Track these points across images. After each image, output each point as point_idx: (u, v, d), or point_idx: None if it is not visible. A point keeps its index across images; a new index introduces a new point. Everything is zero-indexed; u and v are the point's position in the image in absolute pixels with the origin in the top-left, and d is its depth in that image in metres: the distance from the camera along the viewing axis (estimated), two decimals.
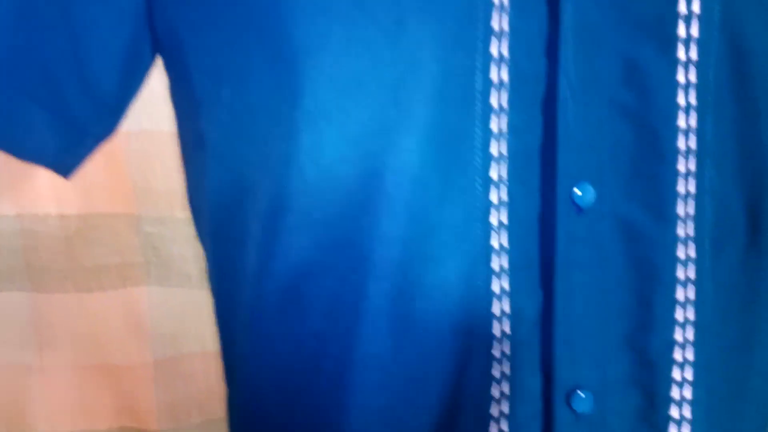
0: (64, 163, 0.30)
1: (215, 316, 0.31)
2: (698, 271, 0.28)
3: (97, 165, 0.50)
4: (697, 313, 0.28)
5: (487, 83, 0.25)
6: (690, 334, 0.28)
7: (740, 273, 0.30)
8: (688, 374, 0.29)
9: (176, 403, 0.57)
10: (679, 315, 0.28)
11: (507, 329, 0.27)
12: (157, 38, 0.28)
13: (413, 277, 0.26)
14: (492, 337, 0.27)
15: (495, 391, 0.27)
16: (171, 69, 0.29)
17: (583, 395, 0.27)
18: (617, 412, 0.29)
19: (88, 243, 0.51)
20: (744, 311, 0.30)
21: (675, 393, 0.29)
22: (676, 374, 0.29)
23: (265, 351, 0.29)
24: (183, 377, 0.57)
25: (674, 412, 0.29)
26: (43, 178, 0.49)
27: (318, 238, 0.26)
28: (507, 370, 0.27)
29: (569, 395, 0.27)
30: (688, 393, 0.29)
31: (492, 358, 0.27)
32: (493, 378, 0.27)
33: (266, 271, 0.27)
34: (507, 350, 0.27)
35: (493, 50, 0.25)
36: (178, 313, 0.56)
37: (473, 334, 0.27)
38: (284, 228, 0.26)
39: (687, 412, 0.29)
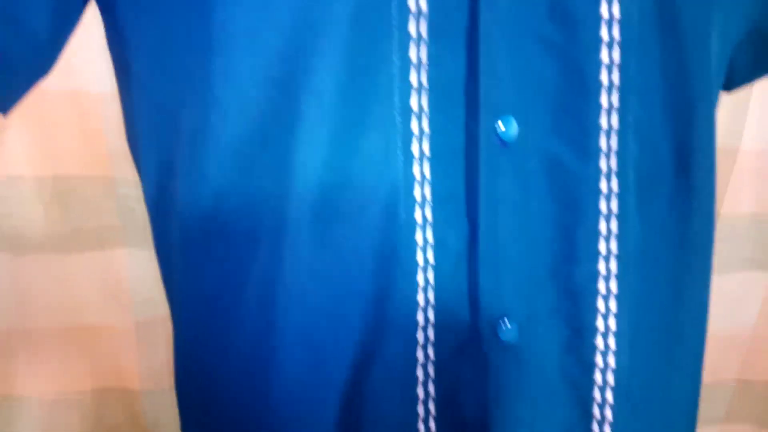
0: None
1: (156, 254, 0.31)
2: (621, 205, 0.28)
3: (71, 128, 0.50)
4: (620, 245, 0.28)
5: (405, 11, 0.24)
6: (613, 265, 0.28)
7: (669, 213, 0.30)
8: (612, 305, 0.29)
9: (158, 364, 0.58)
10: (602, 247, 0.28)
11: (431, 258, 0.27)
12: None
13: (333, 201, 0.26)
14: (415, 264, 0.27)
15: (420, 318, 0.27)
16: (101, 6, 0.28)
17: (508, 325, 0.27)
18: (543, 343, 0.29)
19: (64, 205, 0.51)
20: (673, 250, 0.30)
21: (600, 324, 0.29)
22: (601, 305, 0.29)
23: (195, 280, 0.29)
24: (164, 338, 0.57)
25: (599, 342, 0.29)
26: (19, 141, 0.49)
27: (237, 163, 0.26)
28: (432, 298, 0.27)
29: (495, 325, 0.28)
30: (612, 324, 0.29)
31: (416, 285, 0.27)
32: (417, 305, 0.27)
33: (191, 198, 0.27)
34: (431, 279, 0.27)
35: None
36: (158, 275, 0.56)
37: (395, 260, 0.27)
38: (204, 153, 0.26)
39: (612, 343, 0.29)
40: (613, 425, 0.29)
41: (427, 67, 0.25)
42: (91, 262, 0.54)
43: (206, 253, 0.28)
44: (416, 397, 0.28)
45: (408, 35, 0.25)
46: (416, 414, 0.29)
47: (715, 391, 0.69)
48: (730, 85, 0.36)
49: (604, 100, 0.27)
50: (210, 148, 0.26)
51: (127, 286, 0.56)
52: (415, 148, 0.26)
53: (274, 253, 0.27)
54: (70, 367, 0.57)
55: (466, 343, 0.28)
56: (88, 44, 0.42)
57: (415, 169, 0.26)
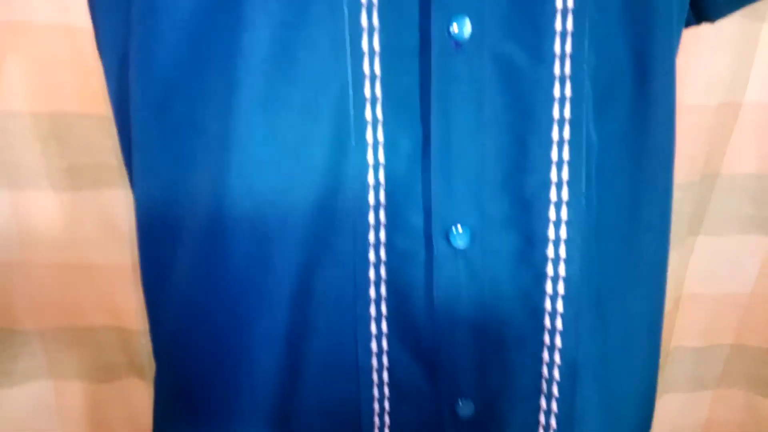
0: None
1: (121, 149, 0.32)
2: (574, 111, 0.28)
3: (66, 65, 0.50)
4: (572, 153, 0.28)
5: None
6: (565, 173, 0.28)
7: (627, 121, 0.29)
8: (564, 214, 0.29)
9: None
10: (554, 154, 0.28)
11: (381, 158, 0.27)
12: None
13: (279, 95, 0.26)
14: (365, 163, 0.27)
15: (371, 218, 0.28)
16: None
17: (460, 231, 0.27)
18: (496, 251, 0.29)
19: (62, 142, 0.52)
20: (631, 160, 0.30)
21: (551, 233, 0.29)
22: (552, 214, 0.29)
23: (150, 160, 0.29)
24: None
25: (550, 251, 0.29)
26: (13, 75, 0.49)
27: (183, 48, 0.26)
28: (383, 198, 0.27)
29: (447, 232, 0.28)
30: (563, 232, 0.29)
31: (366, 184, 0.27)
32: (368, 205, 0.27)
33: (140, 83, 0.27)
34: (382, 179, 0.27)
35: None
36: None
37: (344, 157, 0.27)
38: (152, 35, 0.26)
39: (562, 251, 0.29)
40: (563, 335, 0.29)
41: None
42: (89, 200, 0.55)
43: (159, 143, 0.28)
44: (368, 297, 0.28)
45: None
46: (368, 315, 0.29)
47: (709, 355, 0.69)
48: (712, 13, 0.35)
49: (559, 1, 0.26)
50: (157, 30, 0.26)
51: (123, 225, 0.56)
52: (365, 44, 0.26)
53: (222, 145, 0.27)
54: (69, 303, 0.58)
55: (418, 247, 0.28)
56: None
57: (365, 66, 0.26)
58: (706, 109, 0.55)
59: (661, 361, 0.66)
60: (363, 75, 0.26)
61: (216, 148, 0.27)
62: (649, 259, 0.33)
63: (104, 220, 0.56)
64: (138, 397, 0.63)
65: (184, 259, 0.30)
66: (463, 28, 0.26)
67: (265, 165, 0.27)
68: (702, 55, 0.53)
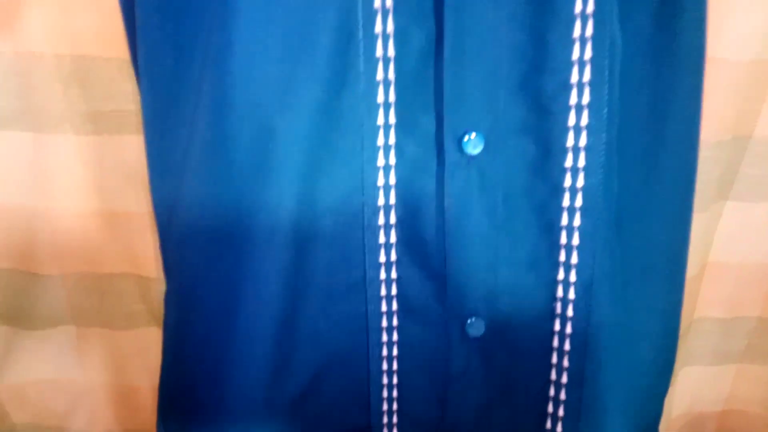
0: None
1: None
2: (598, 4, 0.26)
3: (88, 7, 0.50)
4: (595, 51, 0.26)
5: None
6: (587, 74, 0.27)
7: (654, 21, 0.28)
8: (584, 119, 0.27)
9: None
10: (575, 53, 0.26)
11: (390, 51, 0.26)
12: None
13: None
14: (373, 57, 0.25)
15: (380, 118, 0.26)
16: None
17: (473, 137, 0.26)
18: (510, 160, 0.28)
19: (83, 86, 0.52)
20: (659, 66, 0.28)
21: (570, 140, 0.27)
22: (571, 119, 0.27)
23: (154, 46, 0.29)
24: None
25: (569, 161, 0.28)
26: (35, 16, 0.50)
27: None
28: (392, 96, 0.26)
29: (459, 137, 0.27)
30: (583, 140, 0.27)
31: (374, 81, 0.26)
32: (377, 103, 0.26)
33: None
34: (391, 75, 0.26)
35: None
36: None
37: (351, 47, 0.25)
38: None
39: (581, 161, 0.28)
40: (580, 250, 0.28)
41: None
42: (110, 145, 0.55)
43: (159, 29, 0.28)
44: (377, 204, 0.28)
45: None
46: (376, 223, 0.28)
47: (733, 327, 0.67)
48: None
49: None
50: None
51: (142, 172, 0.57)
52: None
53: (223, 22, 0.26)
54: (89, 249, 0.59)
55: (429, 153, 0.27)
56: None
57: None
58: (738, 64, 0.53)
59: (683, 331, 0.65)
60: None
61: (217, 33, 0.26)
62: (673, 178, 0.31)
63: (124, 167, 0.56)
64: (156, 345, 0.64)
65: (187, 162, 0.29)
66: None
67: (267, 50, 0.26)
68: (734, 7, 0.50)
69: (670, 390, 0.69)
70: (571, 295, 0.29)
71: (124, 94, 0.54)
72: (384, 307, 0.29)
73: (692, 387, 0.69)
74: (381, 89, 0.26)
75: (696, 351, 0.67)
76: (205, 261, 0.30)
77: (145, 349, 0.64)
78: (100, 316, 0.62)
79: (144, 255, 0.59)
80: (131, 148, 0.56)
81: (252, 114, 0.26)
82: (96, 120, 0.54)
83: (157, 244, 0.60)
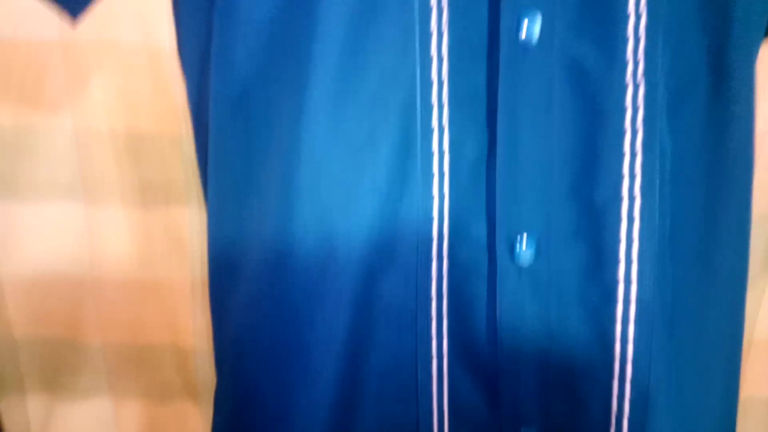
0: (72, 1, 0.31)
1: (196, 150, 0.32)
2: (647, 120, 0.26)
3: (144, 84, 0.53)
4: (645, 165, 0.27)
5: None
6: (637, 187, 0.27)
7: (703, 131, 0.28)
8: (635, 231, 0.27)
9: (211, 324, 0.60)
10: (626, 167, 0.27)
11: (446, 166, 0.27)
12: None
13: (349, 91, 0.26)
14: (430, 173, 0.26)
15: (435, 229, 0.26)
16: None
17: (525, 242, 0.26)
18: (562, 267, 0.27)
19: (135, 159, 0.54)
20: (708, 173, 0.28)
21: (622, 251, 0.27)
22: (623, 231, 0.27)
23: (224, 166, 0.30)
24: None
25: (621, 271, 0.27)
26: (96, 92, 0.53)
27: (261, 45, 0.27)
28: (447, 208, 0.27)
29: (512, 242, 0.26)
30: (635, 251, 0.27)
31: (430, 195, 0.26)
32: (432, 215, 0.27)
33: (219, 80, 0.28)
34: (446, 189, 0.26)
35: None
36: None
37: (409, 165, 0.26)
38: (232, 34, 0.28)
39: (634, 272, 0.27)
40: (635, 363, 0.27)
41: None
42: (157, 216, 0.57)
43: (233, 140, 0.29)
44: (430, 312, 0.27)
45: None
46: (429, 333, 0.28)
47: None
48: None
49: (631, 5, 0.26)
50: (238, 29, 0.27)
51: (187, 243, 0.58)
52: (433, 48, 0.26)
53: (294, 137, 0.27)
54: (132, 318, 0.59)
55: (481, 261, 0.27)
56: (160, 3, 0.45)
57: (434, 72, 0.26)
58: None
59: None
60: (431, 81, 0.26)
61: (287, 143, 0.27)
62: (726, 280, 0.30)
63: (170, 237, 0.57)
64: (192, 422, 0.62)
65: (251, 264, 0.30)
66: (533, 27, 0.25)
67: (332, 162, 0.27)
68: None
69: None
70: (626, 407, 0.27)
71: (174, 167, 0.55)
72: (435, 415, 0.28)
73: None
74: (436, 202, 0.27)
75: None
76: (262, 366, 0.30)
77: (180, 425, 0.62)
78: (137, 387, 0.62)
79: (183, 325, 0.60)
80: (178, 219, 0.57)
81: (316, 220, 0.27)
82: (144, 191, 0.56)
83: (197, 314, 0.60)
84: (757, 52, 0.30)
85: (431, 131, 0.26)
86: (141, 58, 0.52)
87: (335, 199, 0.27)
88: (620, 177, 0.27)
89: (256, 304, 0.30)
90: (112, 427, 0.63)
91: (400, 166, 0.26)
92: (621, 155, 0.26)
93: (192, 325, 0.59)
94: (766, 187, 0.53)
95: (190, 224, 0.57)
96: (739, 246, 0.31)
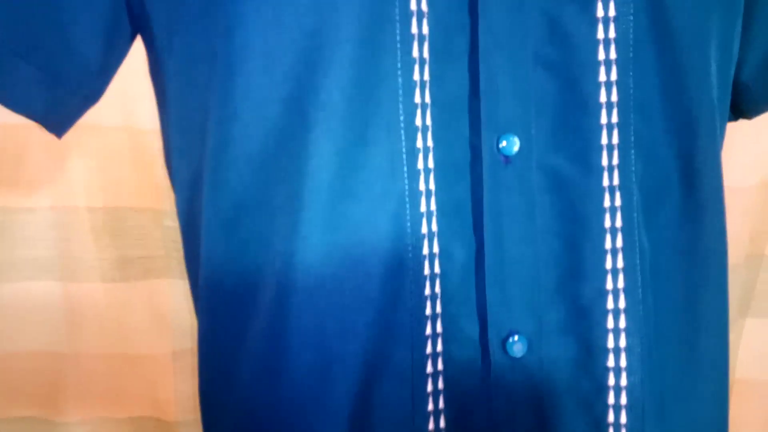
0: (54, 121, 0.33)
1: (186, 269, 0.33)
2: (626, 220, 0.28)
3: (124, 162, 0.54)
4: (626, 260, 0.28)
5: (408, 35, 0.26)
6: (621, 281, 0.28)
7: (678, 227, 0.30)
8: (622, 322, 0.29)
9: (194, 394, 0.59)
10: (608, 263, 0.28)
11: (437, 269, 0.28)
12: (132, 11, 0.31)
13: (341, 212, 0.27)
14: (422, 275, 0.28)
15: (428, 329, 0.28)
16: (144, 37, 0.32)
17: (517, 340, 0.27)
18: (554, 360, 0.28)
19: (114, 235, 0.55)
20: (685, 265, 0.30)
21: (610, 342, 0.29)
22: (610, 322, 0.29)
23: (214, 284, 0.31)
24: None
25: (611, 361, 0.29)
26: (75, 171, 0.53)
27: (254, 174, 0.28)
28: (439, 308, 0.28)
29: (504, 340, 0.28)
30: (623, 341, 0.29)
31: (423, 295, 0.28)
32: (425, 315, 0.28)
33: (214, 209, 0.29)
34: (438, 289, 0.28)
35: (413, 5, 0.26)
36: None
37: (403, 270, 0.27)
38: (226, 164, 0.28)
39: (623, 361, 0.29)
40: None
41: (430, 86, 0.27)
42: (137, 290, 0.57)
43: (225, 258, 0.30)
44: (427, 410, 0.28)
45: (411, 57, 0.27)
46: (427, 429, 0.28)
47: None
48: (752, 110, 0.36)
49: (603, 117, 0.28)
50: (231, 159, 0.28)
51: (168, 315, 0.58)
52: (420, 163, 0.27)
53: (287, 260, 0.28)
54: (113, 392, 0.59)
55: (475, 356, 0.28)
56: (141, 85, 0.46)
57: (421, 184, 0.27)
58: (748, 189, 0.55)
59: None
60: (419, 192, 0.27)
61: (280, 266, 0.28)
62: (710, 359, 0.32)
63: (150, 310, 0.58)
64: None
65: (244, 370, 0.30)
66: (511, 144, 0.27)
67: (326, 280, 0.28)
68: (736, 137, 0.54)
69: None
70: None
71: (153, 240, 0.56)
72: None
73: None
74: (428, 303, 0.28)
75: None
76: None
77: None
78: None
79: (164, 398, 0.59)
80: (157, 291, 0.57)
81: (310, 340, 0.28)
82: (124, 266, 0.56)
83: (177, 387, 0.60)
84: (722, 144, 0.32)
85: (422, 237, 0.27)
86: (121, 139, 0.53)
87: (331, 310, 0.28)
88: (604, 273, 0.28)
89: (251, 410, 0.30)
90: None
91: (394, 274, 0.27)
92: (603, 253, 0.28)
93: (174, 397, 0.59)
94: (738, 238, 0.56)
95: (171, 296, 0.58)
96: (719, 329, 0.33)
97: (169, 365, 0.59)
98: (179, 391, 0.59)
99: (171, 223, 0.55)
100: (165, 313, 0.58)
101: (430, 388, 0.28)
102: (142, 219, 0.55)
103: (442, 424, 0.28)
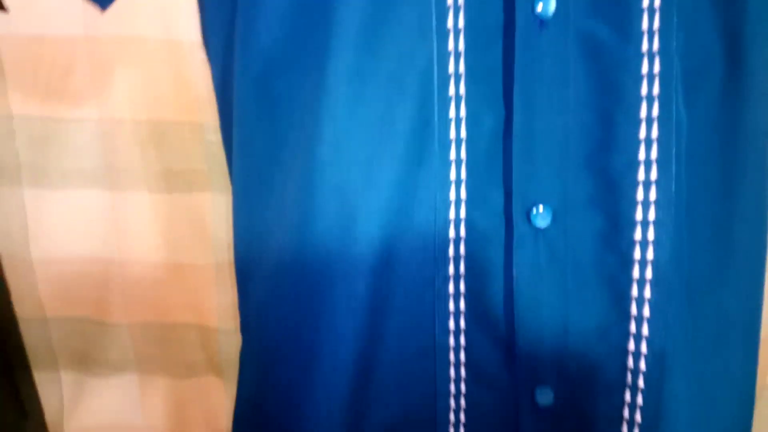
0: None
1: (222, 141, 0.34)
2: (663, 88, 0.27)
3: (166, 76, 0.55)
4: (661, 130, 0.27)
5: None
6: (654, 152, 0.27)
7: (719, 106, 0.28)
8: (652, 194, 0.28)
9: (234, 305, 0.62)
10: (642, 133, 0.27)
11: (463, 134, 0.27)
12: None
13: (367, 66, 0.27)
14: (447, 140, 0.27)
15: (452, 194, 0.28)
16: None
17: (542, 211, 0.27)
18: (579, 233, 0.28)
19: (158, 148, 0.56)
20: (724, 147, 0.29)
21: (638, 214, 0.28)
22: (640, 194, 0.28)
23: (247, 141, 0.31)
24: None
25: (638, 234, 0.28)
26: (119, 84, 0.55)
27: (283, 28, 0.28)
28: (464, 174, 0.27)
29: (528, 211, 0.27)
30: (651, 214, 0.28)
31: (448, 160, 0.27)
32: (449, 180, 0.28)
33: (242, 63, 0.29)
34: (464, 155, 0.27)
35: None
36: None
37: (429, 132, 0.27)
38: (255, 20, 0.28)
39: (651, 234, 0.28)
40: (651, 323, 0.28)
41: None
42: (180, 203, 0.59)
43: (257, 114, 0.30)
44: (447, 274, 0.28)
45: None
46: (447, 292, 0.29)
47: None
48: None
49: None
50: (261, 14, 0.28)
51: (209, 229, 0.60)
52: (450, 22, 0.26)
53: (314, 114, 0.28)
54: (157, 300, 0.62)
55: (498, 225, 0.28)
56: None
57: (450, 43, 0.26)
58: None
59: (755, 400, 0.61)
60: (448, 52, 0.27)
61: (308, 120, 0.28)
62: (744, 251, 0.31)
63: (192, 222, 0.60)
64: (216, 396, 0.65)
65: (276, 237, 0.31)
66: (547, 6, 0.26)
67: (352, 136, 0.28)
68: None
69: None
70: (642, 366, 0.29)
71: (196, 155, 0.57)
72: (452, 374, 0.30)
73: None
74: (453, 168, 0.28)
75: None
76: (286, 321, 0.32)
77: (203, 399, 0.65)
78: (162, 365, 0.65)
79: (207, 305, 0.62)
80: (200, 205, 0.59)
81: (336, 193, 0.28)
82: (168, 178, 0.58)
83: (219, 296, 0.63)
84: None
85: (449, 99, 0.27)
86: (163, 52, 0.53)
87: (355, 170, 0.28)
88: (637, 143, 0.27)
89: (280, 267, 0.31)
90: (138, 402, 0.66)
91: (419, 135, 0.27)
92: (637, 122, 0.27)
93: (216, 306, 0.62)
94: None
95: (212, 210, 0.59)
96: (757, 220, 0.31)
97: (212, 276, 0.61)
98: (220, 301, 0.62)
99: (212, 137, 0.57)
100: (207, 226, 0.60)
101: (452, 252, 0.28)
102: (183, 132, 0.56)
103: (462, 288, 0.29)
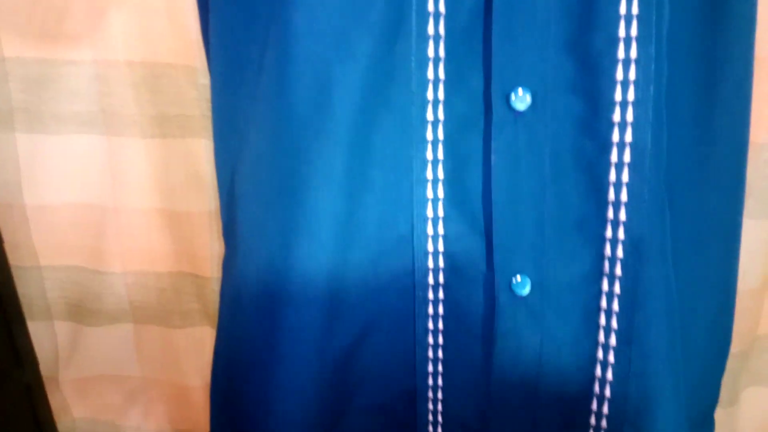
0: None
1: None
2: None
3: (161, 15, 0.54)
4: (641, 5, 0.26)
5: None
6: (634, 29, 0.27)
7: None
8: (632, 74, 0.27)
9: None
10: (622, 7, 0.27)
11: (442, 8, 0.27)
12: None
13: None
14: (425, 13, 0.26)
15: (430, 72, 0.27)
16: None
17: (521, 94, 0.27)
18: (558, 117, 0.27)
19: (152, 91, 0.56)
20: (709, 35, 0.28)
21: (618, 95, 0.27)
22: (619, 73, 0.27)
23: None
24: None
25: (617, 115, 0.27)
26: (114, 25, 0.54)
27: None
28: (442, 52, 0.27)
29: (507, 94, 0.27)
30: (631, 94, 0.27)
31: (426, 35, 0.27)
32: (427, 57, 0.27)
33: None
34: (441, 30, 0.27)
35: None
36: None
37: (403, 5, 0.26)
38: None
39: (629, 115, 0.27)
40: (628, 207, 0.28)
41: None
42: (174, 148, 0.59)
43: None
44: (425, 158, 0.28)
45: None
46: (424, 177, 0.28)
47: None
48: None
49: None
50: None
51: (205, 175, 0.60)
52: None
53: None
54: (152, 247, 0.62)
55: (477, 110, 0.28)
56: None
57: None
58: None
59: (746, 348, 0.62)
60: None
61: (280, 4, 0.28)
62: (726, 145, 0.31)
63: (188, 169, 0.59)
64: (210, 345, 0.66)
65: (250, 103, 0.30)
66: None
67: (326, 4, 0.27)
68: None
69: (735, 412, 0.65)
70: (620, 253, 0.28)
71: (189, 100, 0.57)
72: (431, 264, 0.29)
73: (759, 408, 0.66)
74: (431, 44, 0.27)
75: (762, 370, 0.64)
76: (263, 212, 0.32)
77: (199, 348, 0.66)
78: (157, 314, 0.65)
79: (202, 254, 0.62)
80: (194, 151, 0.59)
81: (311, 65, 0.28)
82: (162, 123, 0.58)
83: (214, 244, 0.63)
84: None
85: None
86: None
87: (330, 43, 0.27)
88: (617, 20, 0.26)
89: (261, 150, 0.30)
90: (133, 351, 0.66)
91: (396, 6, 0.26)
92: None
93: (210, 255, 0.62)
94: None
95: (207, 156, 0.59)
96: (740, 112, 0.31)
97: (206, 224, 0.61)
98: (215, 249, 0.62)
99: (205, 81, 0.56)
100: (201, 174, 0.60)
101: (429, 135, 0.28)
102: (177, 76, 0.56)
103: (440, 174, 0.28)
